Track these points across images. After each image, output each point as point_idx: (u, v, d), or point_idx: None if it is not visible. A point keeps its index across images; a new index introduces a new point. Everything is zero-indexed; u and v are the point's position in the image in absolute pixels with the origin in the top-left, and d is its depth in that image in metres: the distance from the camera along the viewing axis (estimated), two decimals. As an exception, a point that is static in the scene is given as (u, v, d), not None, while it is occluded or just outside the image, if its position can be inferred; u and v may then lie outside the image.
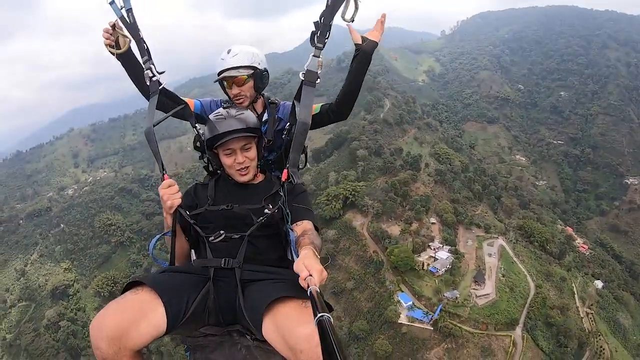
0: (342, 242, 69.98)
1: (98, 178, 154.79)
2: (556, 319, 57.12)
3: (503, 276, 62.80)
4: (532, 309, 58.31)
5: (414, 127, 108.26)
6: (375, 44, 3.09)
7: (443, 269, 62.08)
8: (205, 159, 3.34)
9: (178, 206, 2.78)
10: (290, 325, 2.03)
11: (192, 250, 3.05)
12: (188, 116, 3.37)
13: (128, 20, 3.15)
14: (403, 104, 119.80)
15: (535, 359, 52.88)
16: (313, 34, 2.98)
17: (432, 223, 72.37)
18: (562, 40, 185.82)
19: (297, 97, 3.14)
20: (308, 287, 1.83)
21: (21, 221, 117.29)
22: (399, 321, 56.58)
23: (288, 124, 3.42)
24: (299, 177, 2.94)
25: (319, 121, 3.38)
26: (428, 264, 63.43)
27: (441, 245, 67.11)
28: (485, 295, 59.17)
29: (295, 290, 2.21)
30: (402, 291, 60.65)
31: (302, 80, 3.02)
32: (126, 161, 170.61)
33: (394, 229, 70.02)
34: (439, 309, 55.94)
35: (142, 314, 2.19)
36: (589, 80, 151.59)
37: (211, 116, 3.03)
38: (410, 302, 58.39)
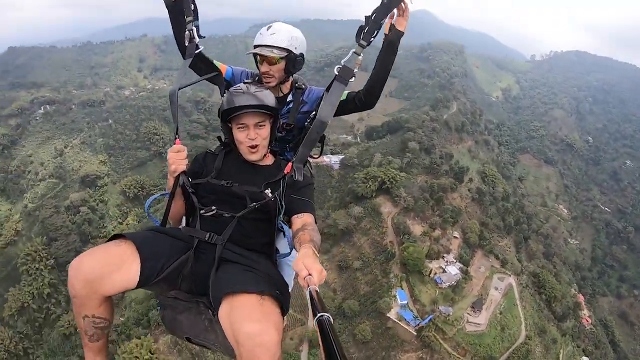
0: (364, 222, 70.33)
1: (157, 87, 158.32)
2: (533, 377, 57.25)
3: (500, 313, 62.59)
4: (514, 356, 58.31)
5: (471, 139, 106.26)
6: (401, 34, 2.98)
7: (447, 283, 62.18)
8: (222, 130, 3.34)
9: (182, 172, 2.89)
10: (240, 318, 2.07)
11: (185, 217, 3.11)
12: (219, 84, 3.44)
13: None
14: (469, 112, 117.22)
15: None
16: (360, 29, 2.88)
17: (455, 237, 71.94)
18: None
19: (328, 89, 3.10)
20: (307, 286, 1.82)
21: (73, 106, 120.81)
22: (388, 315, 57.25)
23: (313, 112, 3.39)
24: (301, 174, 2.85)
25: (344, 109, 3.33)
26: (435, 273, 63.55)
27: (454, 261, 66.95)
28: (476, 323, 59.18)
29: (260, 285, 2.30)
30: (402, 288, 61.06)
31: (336, 74, 2.97)
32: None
33: (417, 228, 69.96)
34: (428, 318, 56.43)
35: (118, 265, 2.30)
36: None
37: (231, 89, 3.01)
38: (405, 302, 58.92)
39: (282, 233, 2.90)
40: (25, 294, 71.11)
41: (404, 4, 2.87)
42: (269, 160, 3.16)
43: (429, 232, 69.86)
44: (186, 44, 3.21)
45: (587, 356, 70.90)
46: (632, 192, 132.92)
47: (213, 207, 2.75)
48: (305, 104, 3.50)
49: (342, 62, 2.93)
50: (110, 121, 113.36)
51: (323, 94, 3.28)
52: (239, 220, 2.74)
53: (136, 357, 50.85)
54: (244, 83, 3.04)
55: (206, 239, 2.66)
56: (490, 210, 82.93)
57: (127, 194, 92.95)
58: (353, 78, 2.94)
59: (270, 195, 2.78)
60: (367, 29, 2.85)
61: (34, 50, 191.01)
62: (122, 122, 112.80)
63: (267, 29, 3.25)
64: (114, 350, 52.55)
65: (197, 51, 3.22)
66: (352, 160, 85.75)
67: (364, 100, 3.26)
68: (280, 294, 2.36)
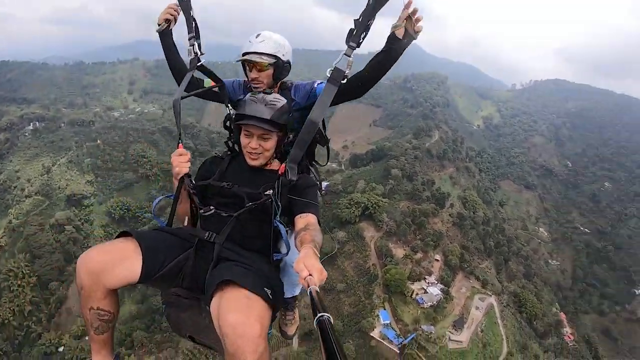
0: (347, 246, 74.19)
1: (146, 110, 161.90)
2: (515, 391, 60.20)
3: (481, 331, 65.79)
4: (496, 372, 61.38)
5: (453, 166, 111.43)
6: (400, 42, 2.96)
7: (429, 303, 65.58)
8: (229, 135, 3.54)
9: (185, 174, 3.02)
10: (226, 309, 2.15)
11: (187, 217, 3.20)
12: (223, 96, 3.59)
13: None
14: (451, 140, 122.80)
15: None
16: (350, 31, 2.93)
17: (436, 260, 75.81)
18: (625, 132, 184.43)
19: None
20: (308, 286, 1.86)
21: (62, 124, 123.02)
22: (371, 334, 60.18)
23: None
24: (295, 174, 2.89)
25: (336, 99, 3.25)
26: (417, 294, 66.98)
27: (436, 282, 70.56)
28: (458, 341, 62.15)
29: (248, 279, 2.39)
30: (385, 309, 64.25)
31: (328, 76, 3.04)
32: None
33: (399, 251, 73.76)
34: (411, 337, 59.23)
35: (122, 260, 2.46)
36: (636, 180, 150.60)
37: (250, 94, 3.17)
38: (388, 321, 61.88)
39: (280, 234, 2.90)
40: (6, 311, 70.35)
41: (406, 15, 2.87)
42: (276, 165, 3.23)
43: (411, 255, 73.73)
44: (189, 58, 3.38)
45: None
46: (610, 212, 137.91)
47: (211, 207, 2.90)
48: (294, 102, 3.54)
49: (334, 64, 3.00)
50: (98, 141, 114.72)
51: (311, 89, 3.51)
52: (239, 220, 2.83)
53: (118, 377, 52.59)
54: (264, 92, 3.13)
55: (206, 237, 2.79)
56: (470, 234, 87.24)
57: (113, 215, 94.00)
58: (344, 79, 3.01)
59: (267, 195, 2.85)
60: (356, 31, 2.90)
61: (25, 65, 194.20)
62: (111, 143, 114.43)
63: (256, 37, 3.36)
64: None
65: (199, 64, 3.39)
66: (337, 186, 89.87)
67: (352, 94, 3.27)
68: (272, 292, 2.44)
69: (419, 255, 74.75)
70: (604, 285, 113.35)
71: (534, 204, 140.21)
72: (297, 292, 3.64)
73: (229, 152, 3.50)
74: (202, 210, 2.93)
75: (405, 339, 59.06)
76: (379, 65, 3.11)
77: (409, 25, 2.91)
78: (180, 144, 3.14)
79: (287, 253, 2.87)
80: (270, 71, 3.42)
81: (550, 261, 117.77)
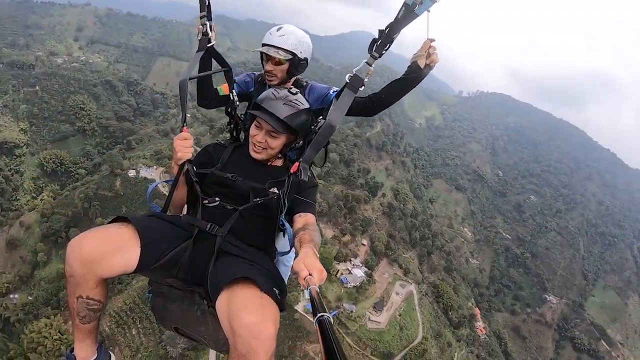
0: (277, 221, 74.69)
1: (91, 61, 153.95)
2: (427, 372, 63.43)
3: (399, 315, 68.72)
4: (411, 353, 64.20)
5: (390, 159, 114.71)
6: (420, 71, 3.13)
7: (352, 284, 67.67)
8: (232, 125, 3.59)
9: (187, 160, 2.92)
10: (239, 308, 2.06)
11: (186, 205, 3.14)
12: (229, 80, 3.53)
13: None
14: (392, 134, 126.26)
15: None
16: (374, 41, 2.95)
17: (363, 244, 78.23)
18: (556, 153, 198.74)
19: (337, 96, 3.16)
20: (308, 286, 1.85)
21: (1, 65, 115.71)
22: (296, 307, 61.33)
23: (321, 118, 3.37)
24: (307, 174, 2.83)
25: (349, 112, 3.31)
26: (342, 274, 68.92)
27: (361, 265, 72.85)
28: (377, 322, 64.95)
29: (261, 277, 2.29)
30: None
31: (347, 82, 3.01)
32: (123, 58, 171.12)
33: (328, 232, 75.25)
34: (333, 313, 60.53)
35: (118, 248, 2.32)
36: (560, 198, 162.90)
37: (274, 88, 3.12)
38: (311, 297, 63.27)
39: (282, 233, 2.92)
40: None
41: (428, 46, 3.06)
42: (279, 162, 3.19)
43: (339, 237, 75.59)
44: (198, 38, 3.26)
45: None
46: (532, 223, 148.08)
47: (217, 198, 2.81)
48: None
49: (354, 70, 3.00)
50: (37, 88, 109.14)
51: (326, 94, 3.50)
52: (241, 214, 2.77)
53: (45, 337, 50.48)
54: (289, 91, 3.07)
55: (207, 229, 2.69)
56: (398, 224, 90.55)
57: (45, 168, 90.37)
58: (362, 87, 3.00)
59: (274, 193, 2.80)
60: (380, 42, 2.92)
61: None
62: (50, 91, 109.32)
63: (277, 30, 3.38)
64: (21, 329, 52.10)
65: (209, 45, 3.28)
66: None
67: (365, 112, 3.41)
68: (279, 291, 2.37)
69: (347, 238, 76.63)
70: (518, 287, 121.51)
71: (462, 205, 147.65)
72: None
73: (231, 141, 3.48)
74: (206, 201, 2.82)
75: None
76: (396, 91, 3.28)
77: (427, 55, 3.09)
78: (185, 128, 3.00)
79: (289, 251, 2.89)
80: (286, 66, 3.43)
81: (470, 260, 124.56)
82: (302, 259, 2.05)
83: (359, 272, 70.54)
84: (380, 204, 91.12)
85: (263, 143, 2.96)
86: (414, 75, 3.14)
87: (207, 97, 3.62)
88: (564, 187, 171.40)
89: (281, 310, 2.29)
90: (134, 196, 73.26)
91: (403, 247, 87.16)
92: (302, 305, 61.88)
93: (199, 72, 3.45)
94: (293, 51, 3.35)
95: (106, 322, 54.99)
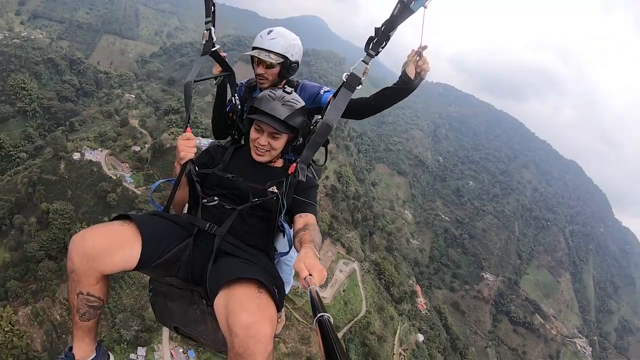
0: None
1: (32, 37, 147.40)
2: (372, 343, 67.67)
3: (344, 291, 72.31)
4: (356, 326, 68.05)
5: (333, 142, 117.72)
6: (410, 82, 3.10)
7: (293, 262, 70.34)
8: (234, 129, 3.76)
9: (190, 160, 2.98)
10: (237, 308, 2.06)
11: (187, 204, 3.18)
12: (232, 84, 3.66)
13: None
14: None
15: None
16: (370, 39, 2.94)
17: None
18: (495, 142, 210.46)
19: (335, 95, 3.14)
20: (308, 286, 1.86)
21: None
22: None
23: (319, 118, 3.42)
24: (304, 175, 2.88)
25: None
26: (285, 252, 71.36)
27: (304, 244, 75.36)
28: (322, 297, 67.61)
29: (258, 275, 2.29)
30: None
31: (343, 81, 3.00)
32: (67, 35, 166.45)
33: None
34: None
35: (120, 246, 2.38)
36: (497, 184, 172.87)
37: (269, 90, 3.14)
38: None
39: (281, 233, 2.94)
40: None
41: (416, 53, 3.03)
42: (279, 163, 3.21)
43: (283, 217, 77.65)
44: (203, 42, 3.36)
45: (422, 334, 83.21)
46: (470, 207, 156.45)
47: (215, 198, 2.87)
48: None
49: (350, 69, 3.00)
50: None
51: (317, 94, 3.59)
52: (240, 214, 2.81)
53: (-6, 329, 48.87)
54: (284, 90, 3.11)
55: (206, 228, 2.73)
56: (341, 206, 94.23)
57: None
58: (360, 86, 2.99)
59: (273, 193, 2.85)
60: (376, 40, 2.91)
61: None
62: None
63: (268, 33, 3.42)
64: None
65: (213, 49, 3.38)
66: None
67: (354, 114, 3.40)
68: (277, 290, 2.37)
69: (290, 218, 78.90)
70: (457, 266, 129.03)
71: (404, 189, 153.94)
72: (287, 290, 3.48)
73: (232, 143, 3.59)
74: (205, 200, 2.90)
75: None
76: (385, 98, 3.30)
77: (415, 63, 3.08)
78: (189, 128, 3.10)
79: (288, 252, 2.90)
80: (277, 69, 3.49)
81: (411, 240, 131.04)
82: (302, 258, 2.10)
83: (301, 250, 73.08)
84: (324, 186, 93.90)
85: (266, 145, 3.00)
86: (404, 86, 3.15)
87: (225, 129, 3.85)
88: (501, 174, 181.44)
89: (278, 309, 2.32)
90: (79, 179, 71.11)
91: (346, 228, 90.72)
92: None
93: (217, 102, 3.74)
94: (284, 54, 3.43)
95: (57, 310, 54.83)
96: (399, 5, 2.80)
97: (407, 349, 76.28)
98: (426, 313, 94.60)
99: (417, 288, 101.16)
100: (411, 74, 3.04)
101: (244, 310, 2.03)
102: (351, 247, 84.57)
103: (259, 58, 3.40)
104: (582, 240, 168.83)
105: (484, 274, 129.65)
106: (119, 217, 2.54)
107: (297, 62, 3.55)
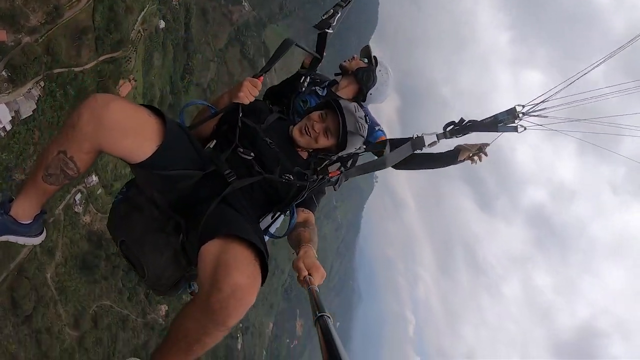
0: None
1: None
2: (120, 12, 64.80)
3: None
4: None
5: None
6: (456, 162, 3.49)
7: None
8: (286, 102, 3.67)
9: (242, 105, 2.84)
10: (232, 265, 1.91)
11: (214, 141, 3.16)
12: (312, 67, 3.71)
13: None
14: None
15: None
16: (452, 123, 3.19)
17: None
18: None
19: (397, 144, 3.33)
20: (307, 286, 1.88)
21: None
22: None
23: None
24: (340, 185, 3.03)
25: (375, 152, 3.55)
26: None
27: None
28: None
29: (262, 248, 2.11)
30: None
31: (412, 138, 3.24)
32: None
33: None
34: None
35: (137, 132, 2.19)
36: None
37: (354, 103, 3.18)
38: None
39: (278, 218, 2.98)
40: None
41: (479, 147, 3.38)
42: (305, 154, 3.10)
43: None
44: (323, 17, 3.45)
45: (165, 22, 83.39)
46: None
47: (252, 153, 2.77)
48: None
49: (423, 134, 3.20)
50: None
51: (372, 129, 3.61)
52: (254, 183, 2.73)
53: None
54: (365, 114, 3.13)
55: (226, 173, 2.62)
56: None
57: None
58: (420, 151, 3.23)
59: (302, 183, 2.82)
60: (457, 128, 3.13)
61: None
62: None
63: (387, 74, 3.76)
64: None
65: (328, 30, 3.48)
66: None
67: (400, 164, 3.45)
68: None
69: None
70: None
71: None
72: None
73: (279, 110, 3.38)
74: (241, 150, 2.78)
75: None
76: (426, 162, 3.63)
77: (472, 153, 3.42)
78: (261, 77, 2.97)
79: (283, 236, 2.94)
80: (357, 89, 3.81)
81: None
82: (302, 258, 2.19)
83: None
84: None
85: (316, 133, 2.94)
86: (449, 160, 3.50)
87: (277, 99, 3.84)
88: None
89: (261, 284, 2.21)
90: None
91: None
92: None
93: (290, 79, 3.86)
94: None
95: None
96: (492, 118, 3.20)
97: (146, 30, 77.38)
98: (176, 5, 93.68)
99: None
100: (462, 157, 3.50)
101: (239, 270, 1.90)
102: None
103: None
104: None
105: (244, 2, 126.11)
106: (151, 107, 2.37)
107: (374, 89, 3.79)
